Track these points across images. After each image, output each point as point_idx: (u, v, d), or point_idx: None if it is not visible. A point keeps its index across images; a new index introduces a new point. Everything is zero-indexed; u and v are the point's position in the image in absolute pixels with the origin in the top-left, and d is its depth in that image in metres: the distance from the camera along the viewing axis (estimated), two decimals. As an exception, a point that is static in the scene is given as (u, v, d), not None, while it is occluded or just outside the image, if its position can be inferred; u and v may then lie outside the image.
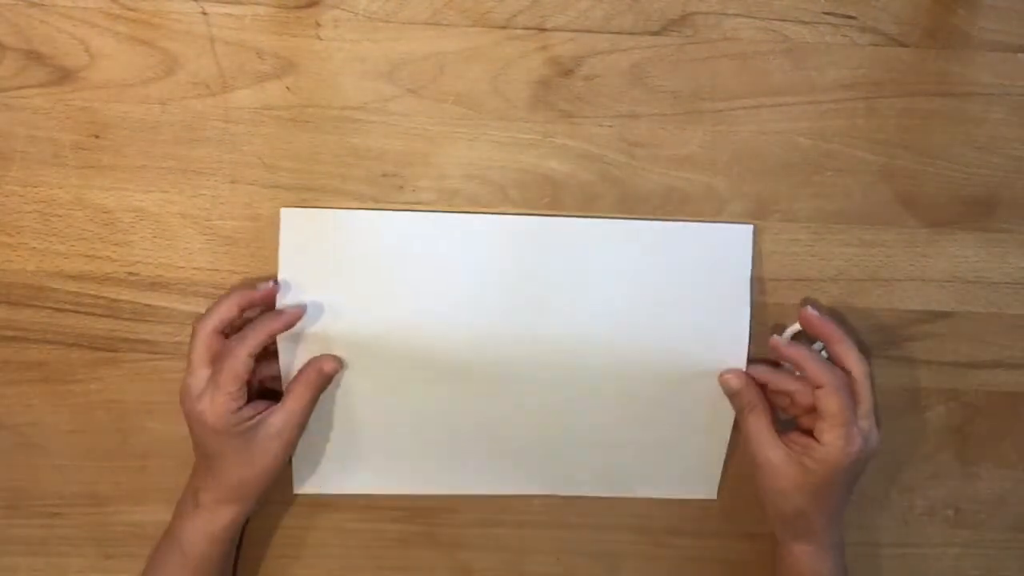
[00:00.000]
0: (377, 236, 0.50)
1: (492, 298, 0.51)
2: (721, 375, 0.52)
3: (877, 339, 0.54)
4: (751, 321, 0.51)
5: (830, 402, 0.48)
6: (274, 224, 0.50)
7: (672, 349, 0.52)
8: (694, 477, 0.56)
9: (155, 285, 0.51)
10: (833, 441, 0.48)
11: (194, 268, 0.51)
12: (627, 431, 0.54)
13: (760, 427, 0.50)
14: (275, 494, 0.56)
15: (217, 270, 0.51)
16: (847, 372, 0.49)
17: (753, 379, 0.51)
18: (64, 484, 0.56)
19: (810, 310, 0.51)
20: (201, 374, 0.48)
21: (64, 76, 0.47)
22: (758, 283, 0.52)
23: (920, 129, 0.50)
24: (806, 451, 0.49)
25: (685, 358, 0.52)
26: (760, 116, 0.49)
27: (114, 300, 0.52)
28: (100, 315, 0.52)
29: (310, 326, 0.50)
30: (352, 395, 0.53)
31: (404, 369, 0.52)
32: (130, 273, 0.51)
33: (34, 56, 0.46)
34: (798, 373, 0.50)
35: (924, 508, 0.58)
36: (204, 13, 0.46)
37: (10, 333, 0.52)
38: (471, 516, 0.58)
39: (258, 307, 0.50)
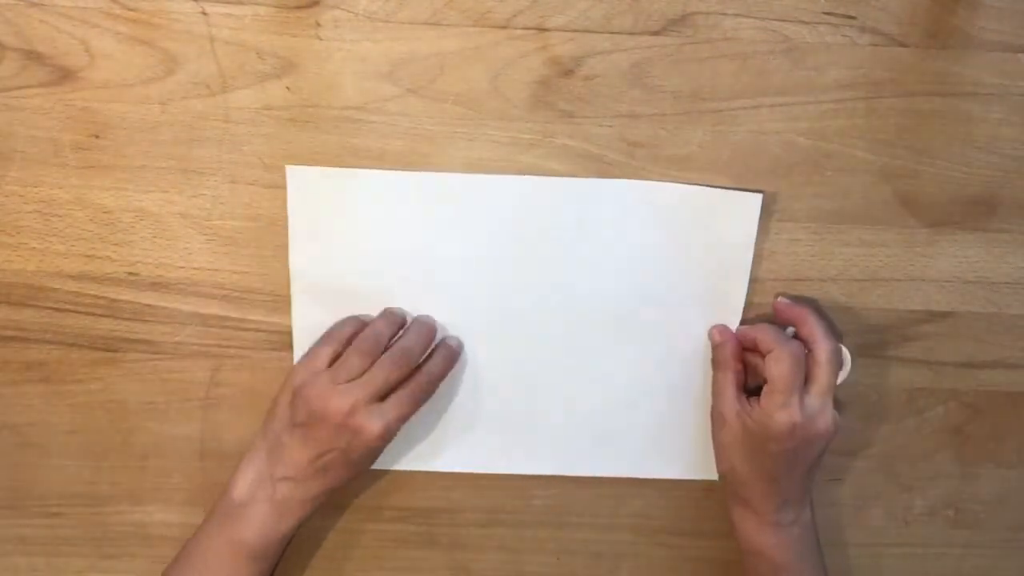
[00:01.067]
0: (383, 195, 0.50)
1: (499, 257, 0.51)
2: (710, 328, 0.53)
3: (877, 339, 0.54)
4: (748, 288, 0.52)
5: (774, 368, 0.49)
6: (274, 224, 0.50)
7: (671, 310, 0.53)
8: (696, 456, 0.56)
9: (155, 285, 0.51)
10: (770, 406, 0.49)
11: (194, 268, 0.51)
12: (627, 402, 0.55)
13: (724, 383, 0.52)
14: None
15: (217, 270, 0.51)
16: (810, 351, 0.50)
17: (735, 338, 0.52)
18: (64, 484, 0.56)
19: (782, 300, 0.52)
20: (368, 390, 0.47)
21: (64, 76, 0.47)
22: (758, 283, 0.52)
23: (920, 129, 0.50)
24: (749, 412, 0.50)
25: (683, 318, 0.53)
26: (760, 116, 0.49)
27: (114, 300, 0.52)
28: (100, 315, 0.52)
29: (322, 282, 0.51)
30: None
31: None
32: (130, 273, 0.51)
33: (34, 56, 0.46)
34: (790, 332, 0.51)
35: (924, 508, 0.58)
36: (204, 13, 0.46)
37: (10, 333, 0.52)
38: (471, 516, 0.58)
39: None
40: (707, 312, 0.53)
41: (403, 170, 0.49)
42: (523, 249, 0.51)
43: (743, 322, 0.53)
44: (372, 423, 0.47)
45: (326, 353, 0.49)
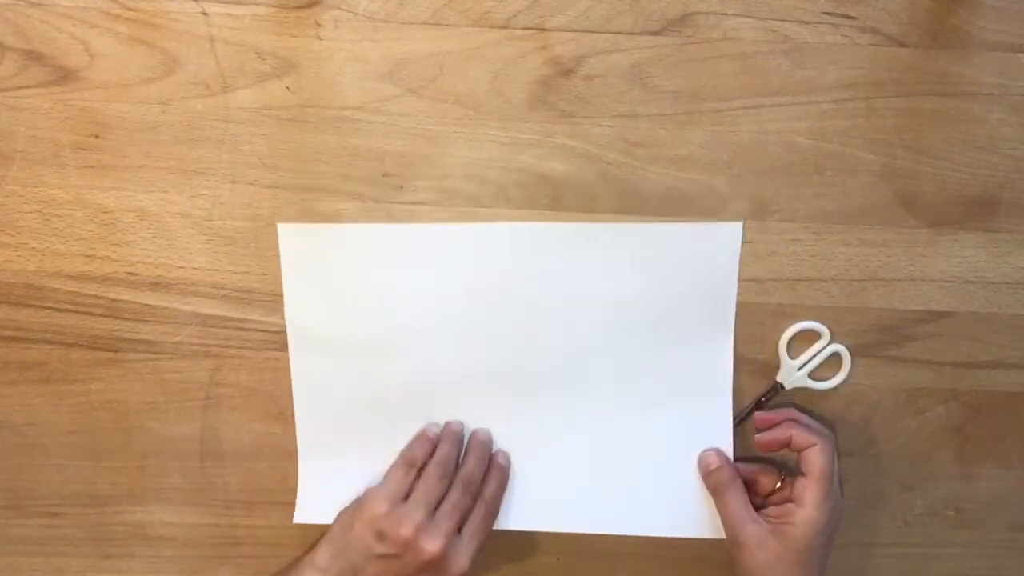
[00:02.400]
0: (373, 248, 0.51)
1: (488, 305, 0.52)
2: (700, 454, 0.53)
3: (877, 339, 0.54)
4: (736, 315, 0.52)
5: (819, 459, 0.49)
6: (274, 224, 0.50)
7: (662, 346, 0.53)
8: (696, 513, 0.55)
9: (155, 285, 0.51)
10: (815, 499, 0.49)
11: (194, 268, 0.51)
12: (623, 452, 0.54)
13: (738, 504, 0.51)
14: (275, 495, 0.56)
15: (217, 270, 0.51)
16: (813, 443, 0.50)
17: (728, 460, 0.53)
18: (64, 484, 0.56)
19: (760, 414, 0.52)
20: (450, 525, 0.49)
21: (64, 76, 0.47)
22: (758, 283, 0.52)
23: (920, 129, 0.50)
24: (785, 518, 0.49)
25: (674, 353, 0.53)
26: (760, 116, 0.49)
27: (114, 300, 0.52)
28: (100, 315, 0.52)
29: (318, 338, 0.52)
30: (355, 402, 0.53)
31: (406, 376, 0.53)
32: (130, 273, 0.51)
33: (34, 56, 0.46)
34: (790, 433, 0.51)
35: (924, 508, 0.58)
36: (204, 13, 0.46)
37: (10, 333, 0.52)
38: (471, 516, 0.58)
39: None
40: (697, 345, 0.53)
41: (389, 223, 0.50)
42: (512, 295, 0.52)
43: (736, 363, 0.53)
44: (459, 561, 0.48)
45: (403, 481, 0.50)
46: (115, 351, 0.53)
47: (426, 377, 0.53)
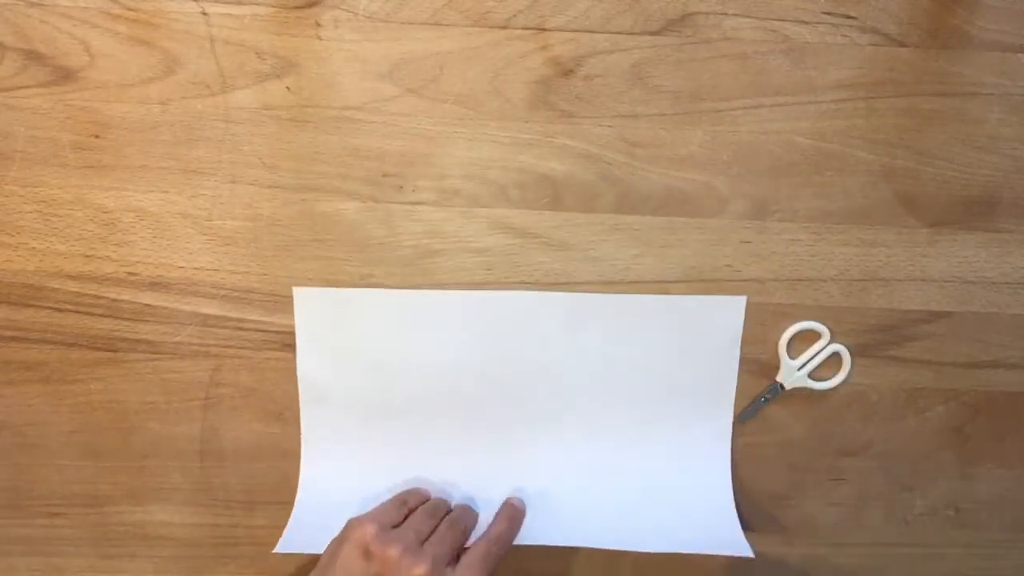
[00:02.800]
0: (385, 311, 0.52)
1: (492, 368, 0.53)
2: None
3: (877, 339, 0.54)
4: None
5: None
6: (274, 224, 0.50)
7: (664, 416, 0.54)
8: (717, 536, 0.55)
9: (155, 285, 0.51)
10: None
11: (194, 268, 0.51)
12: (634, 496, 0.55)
13: None
14: (275, 495, 0.56)
15: (217, 270, 0.51)
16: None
17: None
18: (64, 484, 0.56)
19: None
20: (442, 550, 0.48)
21: (64, 76, 0.47)
22: (758, 283, 0.52)
23: (920, 129, 0.50)
24: None
25: (676, 424, 0.54)
26: (760, 116, 0.49)
27: (114, 300, 0.52)
28: (100, 315, 0.52)
29: (329, 393, 0.53)
30: (364, 460, 0.55)
31: (414, 435, 0.54)
32: (130, 273, 0.51)
33: (34, 56, 0.46)
34: None
35: (924, 508, 0.58)
36: (204, 13, 0.46)
37: (10, 333, 0.52)
38: (471, 516, 0.58)
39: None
40: (699, 414, 0.54)
41: (401, 288, 0.51)
42: (519, 360, 0.53)
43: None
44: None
45: (393, 512, 0.50)
46: (115, 351, 0.53)
47: (431, 435, 0.54)
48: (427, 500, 0.53)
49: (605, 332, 0.52)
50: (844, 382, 0.54)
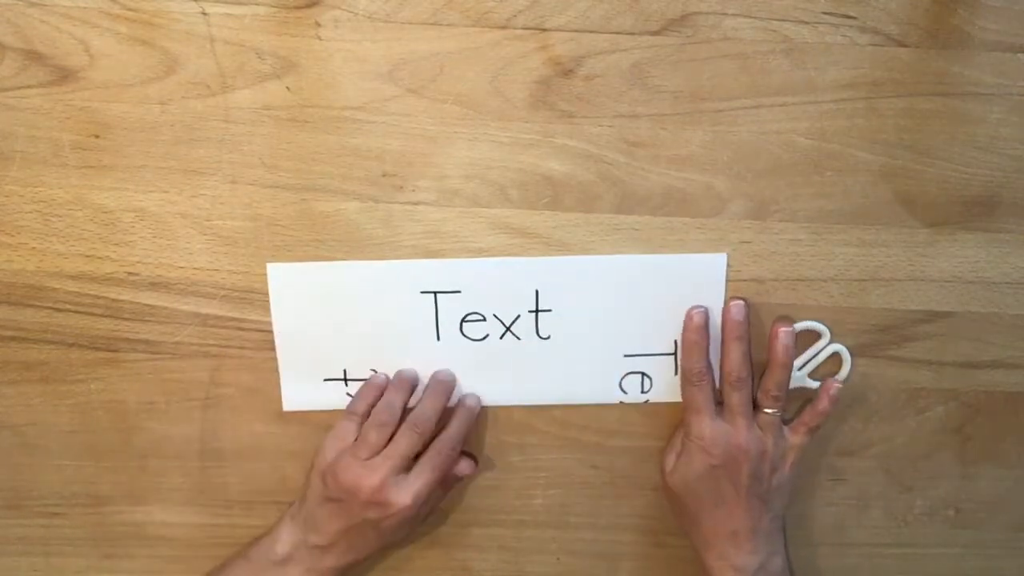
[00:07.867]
0: (360, 283, 0.52)
1: (472, 337, 0.53)
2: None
3: (877, 339, 0.54)
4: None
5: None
6: (274, 224, 0.50)
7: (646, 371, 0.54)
8: None
9: (155, 285, 0.51)
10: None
11: (194, 268, 0.51)
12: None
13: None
14: (275, 495, 0.56)
15: (217, 270, 0.51)
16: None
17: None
18: (64, 484, 0.56)
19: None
20: (391, 464, 0.50)
21: (64, 76, 0.47)
22: (758, 283, 0.52)
23: (920, 129, 0.50)
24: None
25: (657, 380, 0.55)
26: (760, 116, 0.49)
27: (114, 300, 0.52)
28: (100, 315, 0.52)
29: (310, 368, 0.53)
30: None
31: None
32: (130, 273, 0.51)
33: (34, 56, 0.46)
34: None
35: (924, 508, 0.58)
36: (204, 13, 0.46)
37: (10, 333, 0.52)
38: (471, 516, 0.58)
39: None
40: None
41: (375, 260, 0.51)
42: (498, 327, 0.53)
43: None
44: (400, 497, 0.49)
45: (350, 429, 0.52)
46: (115, 351, 0.53)
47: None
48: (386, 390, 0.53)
49: (586, 293, 0.52)
50: (844, 382, 0.54)
